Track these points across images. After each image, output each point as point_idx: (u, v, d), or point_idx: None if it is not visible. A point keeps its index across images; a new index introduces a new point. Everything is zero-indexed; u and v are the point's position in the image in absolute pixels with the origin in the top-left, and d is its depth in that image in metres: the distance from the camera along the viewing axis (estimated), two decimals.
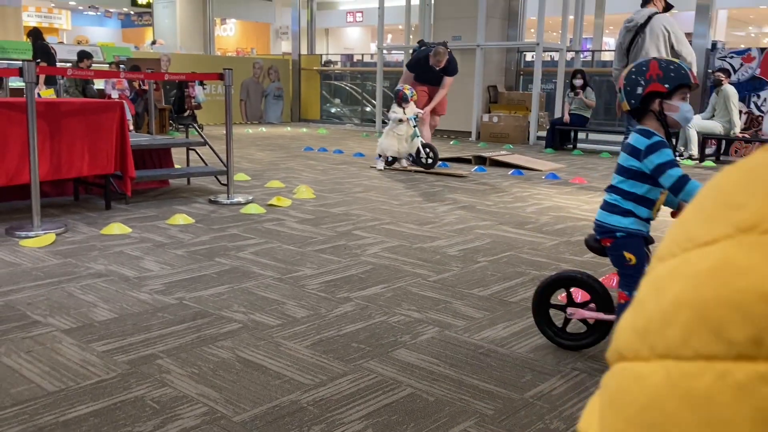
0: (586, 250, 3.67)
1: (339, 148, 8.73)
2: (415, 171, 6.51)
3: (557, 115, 9.41)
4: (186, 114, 10.43)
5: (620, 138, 5.83)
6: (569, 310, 2.25)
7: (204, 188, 5.40)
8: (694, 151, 7.73)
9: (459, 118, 10.34)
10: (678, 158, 7.81)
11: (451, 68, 6.71)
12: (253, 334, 2.33)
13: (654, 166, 1.99)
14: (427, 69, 6.69)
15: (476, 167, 6.86)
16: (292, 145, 9.09)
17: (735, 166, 0.24)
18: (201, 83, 10.68)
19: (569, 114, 8.81)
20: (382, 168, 6.65)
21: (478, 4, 10.12)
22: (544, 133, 9.52)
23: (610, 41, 19.04)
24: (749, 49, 8.29)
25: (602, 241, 2.14)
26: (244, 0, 20.51)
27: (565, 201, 5.15)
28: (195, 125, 7.32)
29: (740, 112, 7.96)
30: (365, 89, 13.53)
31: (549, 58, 12.14)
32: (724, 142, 8.12)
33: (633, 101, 2.09)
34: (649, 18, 5.08)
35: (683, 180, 1.95)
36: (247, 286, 2.87)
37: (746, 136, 8.01)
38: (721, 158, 8.12)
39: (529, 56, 11.18)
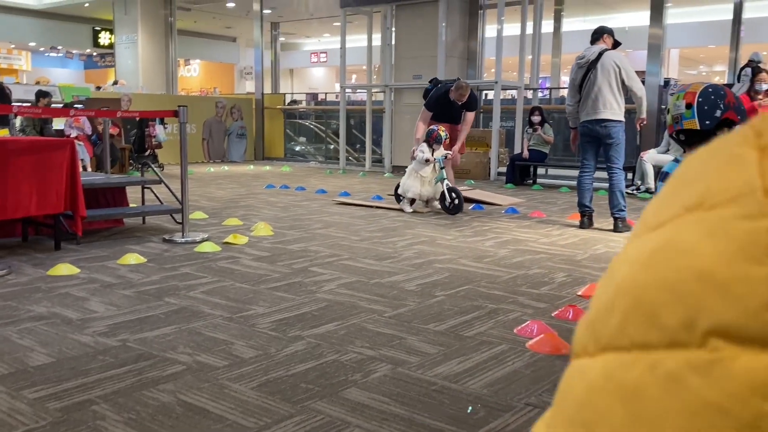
0: (543, 283, 3.67)
1: (302, 185, 8.68)
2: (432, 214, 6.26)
3: (517, 151, 9.54)
4: (147, 153, 10.30)
5: (575, 173, 5.88)
6: None
7: (159, 227, 5.28)
8: (651, 184, 7.88)
9: None
10: (635, 191, 8.01)
11: (473, 103, 6.47)
12: (197, 377, 2.23)
13: None
14: (448, 107, 6.40)
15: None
16: (253, 183, 9.01)
17: (694, 153, 0.24)
18: (162, 122, 10.58)
19: (528, 150, 8.93)
20: (410, 210, 6.26)
21: (438, 45, 10.30)
22: (504, 169, 9.63)
23: (567, 79, 19.56)
24: None
25: None
26: (207, 41, 20.59)
27: (523, 234, 5.16)
28: (152, 165, 7.20)
29: None
30: (329, 127, 13.58)
31: (508, 96, 12.39)
32: None
33: (708, 122, 1.96)
34: (600, 54, 5.20)
35: None
36: (194, 327, 2.77)
37: None
38: None
39: (490, 95, 11.38)
